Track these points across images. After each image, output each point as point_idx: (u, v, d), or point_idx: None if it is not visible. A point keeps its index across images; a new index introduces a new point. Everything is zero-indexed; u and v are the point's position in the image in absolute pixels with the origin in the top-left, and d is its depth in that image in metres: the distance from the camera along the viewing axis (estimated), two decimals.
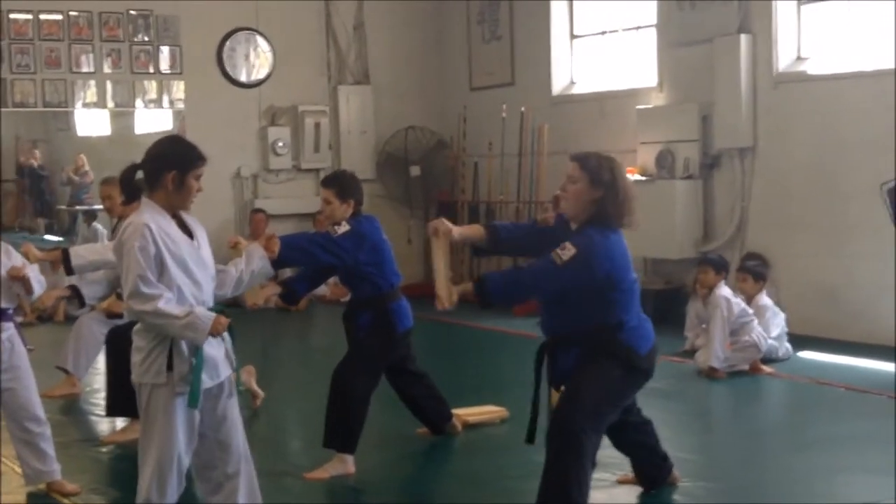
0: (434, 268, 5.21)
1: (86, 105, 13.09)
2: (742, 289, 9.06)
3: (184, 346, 4.43)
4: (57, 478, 5.93)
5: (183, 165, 4.50)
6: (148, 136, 14.15)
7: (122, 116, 14.03)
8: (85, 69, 12.85)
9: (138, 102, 13.24)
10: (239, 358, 8.56)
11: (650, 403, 5.70)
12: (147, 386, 4.46)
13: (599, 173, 5.04)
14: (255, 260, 4.72)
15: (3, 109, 12.70)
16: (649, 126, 11.30)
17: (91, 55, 12.85)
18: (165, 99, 13.32)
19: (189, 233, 4.55)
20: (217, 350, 4.54)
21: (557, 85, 12.87)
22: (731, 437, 7.18)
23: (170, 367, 4.42)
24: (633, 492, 5.76)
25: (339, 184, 6.37)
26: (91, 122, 14.46)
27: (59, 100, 12.81)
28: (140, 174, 4.54)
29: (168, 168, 4.47)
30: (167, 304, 4.32)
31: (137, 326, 4.53)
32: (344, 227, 6.18)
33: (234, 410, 4.66)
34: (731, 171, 10.77)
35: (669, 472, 5.76)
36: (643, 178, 11.03)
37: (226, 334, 4.59)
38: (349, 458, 6.24)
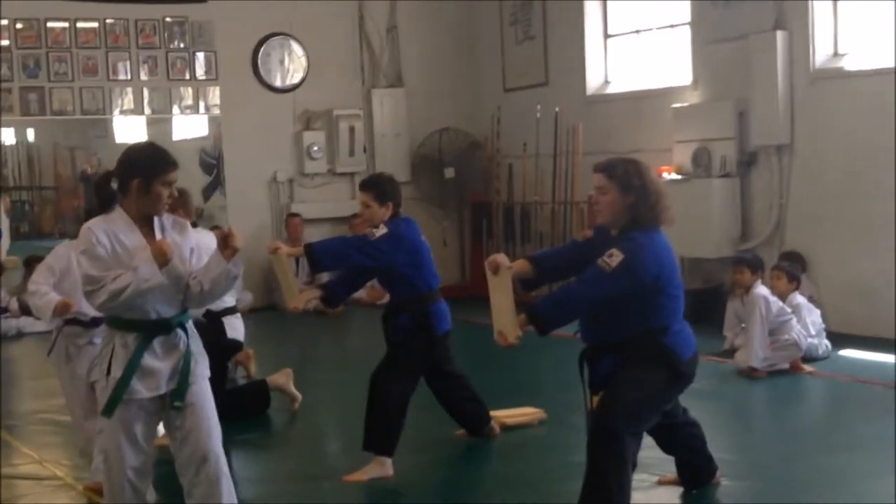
0: (492, 303, 5.16)
1: (123, 112, 13.17)
2: (775, 287, 8.99)
3: (120, 353, 4.45)
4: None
5: (148, 172, 4.46)
6: (184, 142, 14.24)
7: (158, 123, 14.09)
8: (122, 76, 12.94)
9: (175, 109, 13.32)
10: (276, 361, 8.66)
11: (690, 404, 5.67)
12: (94, 384, 4.59)
13: (628, 179, 5.02)
14: (212, 268, 4.53)
15: (41, 117, 12.81)
16: (685, 124, 11.25)
17: (128, 62, 12.94)
18: (201, 105, 13.39)
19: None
20: (162, 362, 4.50)
21: (592, 84, 12.84)
22: (772, 437, 7.13)
23: (109, 371, 4.47)
24: (674, 492, 5.73)
25: (378, 187, 6.38)
26: (128, 129, 14.55)
27: (97, 107, 12.91)
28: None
29: (134, 174, 4.46)
30: (115, 282, 4.33)
31: (102, 326, 4.62)
32: (382, 230, 6.20)
33: (193, 419, 4.54)
34: (769, 169, 10.70)
35: (714, 473, 5.74)
36: (679, 177, 10.98)
37: (190, 342, 4.56)
38: (388, 461, 6.25)
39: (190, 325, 4.61)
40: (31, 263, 12.71)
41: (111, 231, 4.41)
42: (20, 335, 11.83)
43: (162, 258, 4.36)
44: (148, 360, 4.45)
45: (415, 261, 6.33)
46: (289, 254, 6.47)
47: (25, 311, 12.23)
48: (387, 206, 6.33)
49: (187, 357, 4.54)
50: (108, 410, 4.45)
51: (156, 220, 4.54)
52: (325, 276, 8.47)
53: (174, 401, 4.51)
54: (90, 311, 5.64)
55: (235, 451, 7.26)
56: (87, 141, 14.80)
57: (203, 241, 5.06)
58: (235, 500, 4.63)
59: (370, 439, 6.29)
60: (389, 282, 6.50)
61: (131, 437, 4.49)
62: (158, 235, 4.50)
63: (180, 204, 7.27)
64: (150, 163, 4.49)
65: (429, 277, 6.42)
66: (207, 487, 4.53)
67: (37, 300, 5.90)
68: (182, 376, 4.52)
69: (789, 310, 8.80)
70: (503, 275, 5.11)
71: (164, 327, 4.49)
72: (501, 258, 5.18)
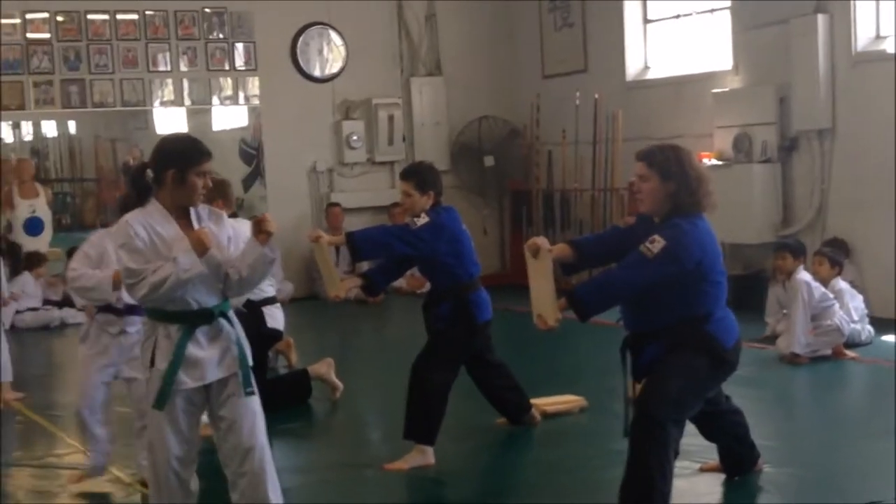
0: (531, 286, 5.14)
1: (163, 103, 13.25)
2: (817, 272, 8.93)
3: (164, 344, 4.46)
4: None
5: (182, 162, 4.46)
6: (224, 132, 14.32)
7: (198, 114, 14.19)
8: (161, 68, 13.01)
9: (214, 100, 13.38)
10: (317, 350, 8.69)
11: (732, 391, 5.65)
12: (130, 383, 4.60)
13: (668, 166, 4.99)
14: (248, 254, 4.52)
15: (82, 109, 12.91)
16: (726, 109, 11.18)
17: (167, 53, 13.01)
18: (241, 95, 13.44)
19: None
20: (206, 351, 4.50)
21: (631, 70, 12.78)
22: (814, 423, 7.09)
23: (153, 363, 4.48)
24: (716, 479, 5.71)
25: (419, 176, 6.38)
26: (168, 120, 14.64)
27: (137, 99, 12.99)
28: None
29: (168, 165, 4.47)
30: (155, 274, 4.34)
31: (143, 320, 4.62)
32: (423, 219, 6.21)
33: (237, 410, 4.54)
34: (810, 154, 10.62)
35: (756, 461, 5.71)
36: (720, 163, 10.92)
37: (234, 330, 4.57)
38: (429, 450, 6.26)
39: (231, 313, 4.62)
40: (73, 255, 12.84)
41: (148, 223, 4.42)
42: (63, 326, 11.93)
43: (201, 247, 4.37)
44: (192, 350, 4.46)
45: (455, 250, 6.33)
46: (330, 242, 6.48)
47: (67, 301, 12.35)
48: (428, 194, 6.33)
49: (239, 344, 4.56)
50: (160, 403, 4.46)
51: (192, 210, 4.54)
52: (365, 265, 8.46)
53: (245, 387, 4.52)
54: (125, 297, 5.68)
55: (277, 441, 7.28)
56: (128, 132, 14.94)
57: (241, 231, 5.06)
58: (279, 492, 4.64)
59: (411, 428, 6.30)
60: (430, 271, 6.51)
61: (176, 428, 4.51)
62: (195, 226, 4.51)
63: (220, 194, 7.32)
64: (185, 153, 4.49)
65: (469, 266, 6.42)
66: (252, 478, 4.55)
67: (85, 282, 5.84)
68: (242, 362, 4.54)
69: (832, 295, 8.74)
70: (543, 258, 5.10)
71: (207, 317, 4.50)
72: (542, 241, 5.16)
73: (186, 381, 4.47)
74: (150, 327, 4.54)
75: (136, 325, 5.87)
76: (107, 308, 5.92)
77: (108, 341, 5.94)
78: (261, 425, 4.59)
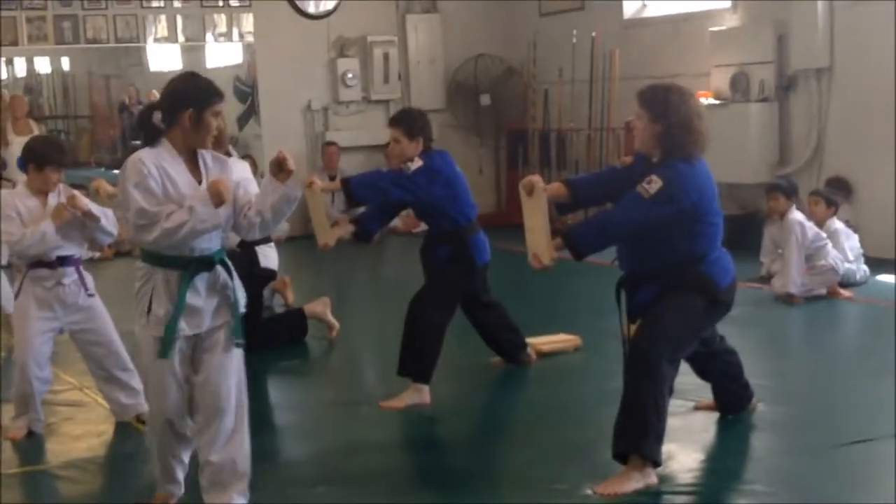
0: (525, 225, 5.12)
1: (157, 40, 13.15)
2: (813, 212, 8.92)
3: (162, 291, 4.39)
4: (143, 409, 5.75)
5: (200, 102, 4.39)
6: (218, 69, 14.21)
7: (192, 51, 14.09)
8: (155, 3, 12.90)
9: (208, 36, 13.27)
10: (313, 289, 8.71)
11: (727, 330, 5.66)
12: (137, 328, 4.49)
13: (658, 107, 4.96)
14: (269, 194, 4.42)
15: (75, 46, 12.81)
16: (723, 48, 11.11)
17: None
18: (235, 32, 13.33)
19: (201, 174, 4.45)
20: (204, 300, 4.44)
21: (629, 8, 12.68)
22: (808, 363, 7.12)
23: (150, 310, 4.40)
24: (710, 418, 5.75)
25: (407, 122, 6.36)
26: (162, 57, 14.54)
27: (131, 35, 12.88)
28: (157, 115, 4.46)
29: (185, 106, 4.37)
30: (169, 220, 4.26)
31: (136, 264, 4.50)
32: (417, 164, 6.20)
33: (223, 358, 4.48)
34: (808, 93, 10.57)
35: (750, 400, 5.75)
36: (717, 102, 10.87)
37: (229, 279, 4.51)
38: (425, 388, 6.28)
39: (228, 261, 4.57)
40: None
41: (159, 164, 4.34)
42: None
43: (218, 199, 4.29)
44: (191, 297, 4.40)
45: (451, 194, 6.32)
46: (323, 188, 6.47)
47: None
48: (417, 140, 6.30)
49: (234, 292, 4.52)
50: (165, 352, 4.39)
51: (199, 153, 4.48)
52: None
53: (235, 338, 4.48)
54: (55, 252, 5.65)
55: (274, 379, 7.34)
56: (122, 69, 14.85)
57: (240, 171, 5.01)
58: (248, 453, 4.57)
59: (407, 365, 6.32)
60: (427, 215, 6.50)
61: (171, 371, 4.46)
62: (202, 170, 4.45)
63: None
64: (201, 93, 4.42)
65: (466, 209, 6.41)
66: (223, 436, 4.48)
67: (30, 240, 5.68)
68: (235, 312, 4.49)
69: (825, 235, 8.74)
70: (538, 196, 5.08)
71: (207, 263, 4.44)
72: (536, 179, 5.14)
73: (185, 328, 4.41)
74: (146, 273, 4.44)
75: (71, 276, 5.83)
76: (37, 263, 5.79)
77: (44, 294, 5.82)
78: (242, 382, 4.54)
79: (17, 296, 5.95)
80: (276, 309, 8.78)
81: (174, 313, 4.37)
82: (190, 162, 4.45)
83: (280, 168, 4.39)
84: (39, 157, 5.79)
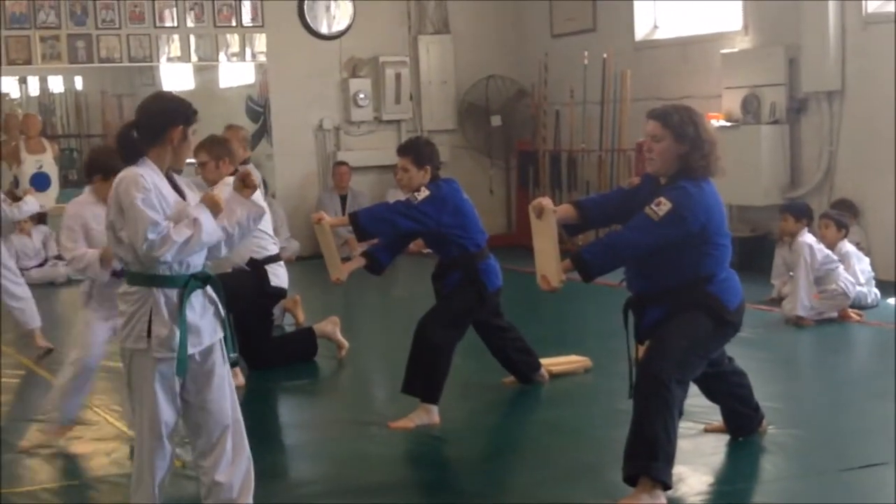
0: (535, 247, 5.13)
1: (170, 59, 13.21)
2: (824, 235, 8.92)
3: (164, 310, 4.30)
4: None
5: (186, 119, 4.39)
6: (231, 89, 14.28)
7: (205, 70, 14.15)
8: (168, 23, 12.96)
9: (221, 56, 13.33)
10: (323, 309, 8.71)
11: (737, 352, 5.66)
12: (128, 351, 4.38)
13: (683, 128, 4.97)
14: (237, 211, 4.41)
15: (89, 65, 12.87)
16: (734, 70, 11.12)
17: (174, 9, 12.95)
18: (248, 52, 13.40)
19: (181, 194, 4.43)
20: (200, 317, 4.39)
21: (640, 30, 12.70)
22: (818, 385, 7.10)
23: (149, 333, 4.31)
24: (720, 440, 5.73)
25: (415, 151, 6.40)
26: (175, 76, 14.60)
27: (144, 54, 12.94)
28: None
29: (174, 122, 4.36)
30: (177, 232, 4.22)
31: (122, 289, 4.42)
32: (424, 193, 6.23)
33: (219, 376, 4.46)
34: (819, 115, 10.57)
35: (760, 422, 5.73)
36: (728, 124, 10.88)
37: (215, 296, 4.46)
38: (434, 409, 6.28)
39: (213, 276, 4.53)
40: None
41: (154, 181, 4.30)
42: (70, 281, 11.95)
43: (217, 209, 4.31)
44: (189, 315, 4.34)
45: (460, 222, 6.35)
46: (332, 224, 6.51)
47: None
48: (425, 169, 6.34)
49: (223, 309, 4.49)
50: (182, 369, 4.32)
51: (169, 174, 4.44)
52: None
53: (229, 353, 4.47)
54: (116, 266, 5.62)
55: (283, 397, 7.35)
56: (135, 88, 14.87)
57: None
58: (251, 468, 4.54)
59: (413, 385, 6.32)
60: (437, 244, 6.51)
61: (171, 396, 4.39)
62: (181, 187, 4.43)
63: (226, 153, 7.33)
64: (185, 111, 4.42)
65: (475, 235, 6.43)
66: (225, 454, 4.46)
67: (78, 264, 5.80)
68: (225, 326, 4.48)
69: (836, 258, 8.73)
70: (547, 218, 5.09)
71: (202, 279, 4.41)
72: (546, 201, 5.15)
73: (188, 346, 4.35)
74: (141, 295, 4.33)
75: None
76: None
77: (112, 302, 5.89)
78: (235, 396, 4.52)
79: (87, 302, 6.02)
80: (287, 328, 8.79)
81: (181, 331, 4.30)
82: (168, 180, 4.43)
83: (244, 184, 4.42)
84: (107, 167, 5.77)
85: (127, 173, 4.31)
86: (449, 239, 6.36)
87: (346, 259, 6.86)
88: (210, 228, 4.28)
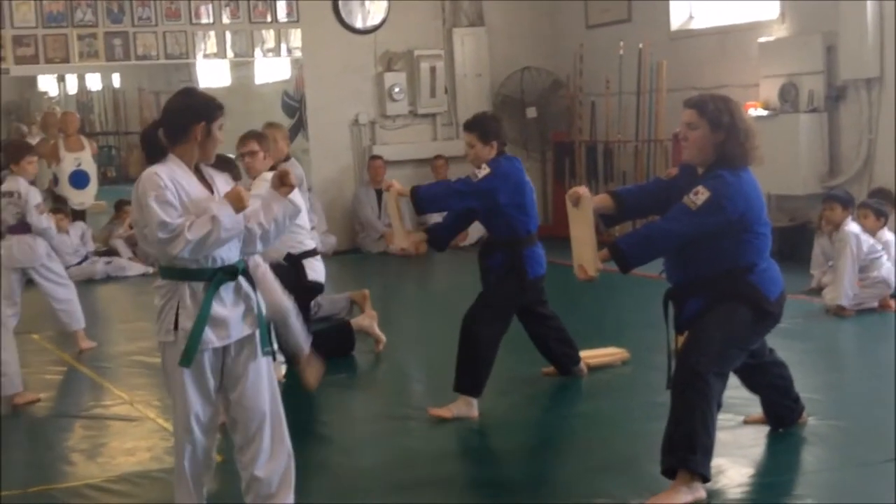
0: (572, 236, 5.12)
1: (206, 56, 13.26)
2: (863, 224, 8.83)
3: (189, 303, 4.34)
4: None
5: (209, 115, 4.42)
6: (267, 85, 14.33)
7: (241, 67, 14.21)
8: (204, 20, 13.00)
9: (257, 52, 13.37)
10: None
11: (776, 343, 5.62)
12: (161, 345, 4.44)
13: (719, 117, 4.94)
14: (273, 208, 4.45)
15: (126, 62, 12.95)
16: (772, 59, 11.04)
17: (210, 6, 12.98)
18: (283, 48, 13.42)
19: (210, 187, 4.45)
20: (230, 310, 4.41)
21: (676, 20, 12.63)
22: (859, 376, 7.05)
23: (176, 326, 4.35)
24: (760, 432, 5.70)
25: (481, 126, 6.41)
26: (211, 73, 14.67)
27: (180, 51, 12.99)
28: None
29: (197, 119, 4.39)
30: (192, 231, 4.24)
31: (155, 283, 4.47)
32: (484, 170, 6.26)
33: (255, 371, 4.47)
34: (858, 103, 10.48)
35: (800, 413, 5.70)
36: (766, 113, 10.80)
37: (251, 288, 4.48)
38: (474, 402, 6.27)
39: (249, 271, 4.55)
40: (119, 207, 12.94)
41: (173, 177, 4.34)
42: (108, 278, 12.05)
43: (240, 204, 4.33)
44: (217, 308, 4.36)
45: (518, 201, 6.36)
46: (400, 193, 6.50)
47: (115, 253, 12.47)
48: (491, 144, 6.36)
49: (259, 303, 4.50)
50: (188, 360, 4.35)
51: (202, 167, 4.49)
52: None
53: (263, 347, 4.48)
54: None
55: (321, 392, 7.35)
56: (172, 85, 14.96)
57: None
58: (292, 463, 4.56)
59: (464, 382, 6.31)
60: (490, 220, 6.51)
61: (203, 389, 4.43)
62: (210, 181, 4.47)
63: (264, 147, 7.36)
64: (209, 107, 4.45)
65: (528, 220, 6.44)
66: (264, 446, 4.48)
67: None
68: (260, 321, 4.48)
69: (880, 247, 8.65)
70: (584, 207, 5.07)
71: (231, 273, 4.42)
72: (583, 190, 5.14)
73: (213, 339, 4.37)
74: (169, 289, 4.39)
75: None
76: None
77: None
78: (275, 391, 4.53)
79: None
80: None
81: (197, 321, 4.33)
82: (196, 175, 4.46)
83: (282, 182, 4.46)
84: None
85: (146, 172, 4.37)
86: (502, 217, 6.36)
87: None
88: (229, 224, 4.29)
